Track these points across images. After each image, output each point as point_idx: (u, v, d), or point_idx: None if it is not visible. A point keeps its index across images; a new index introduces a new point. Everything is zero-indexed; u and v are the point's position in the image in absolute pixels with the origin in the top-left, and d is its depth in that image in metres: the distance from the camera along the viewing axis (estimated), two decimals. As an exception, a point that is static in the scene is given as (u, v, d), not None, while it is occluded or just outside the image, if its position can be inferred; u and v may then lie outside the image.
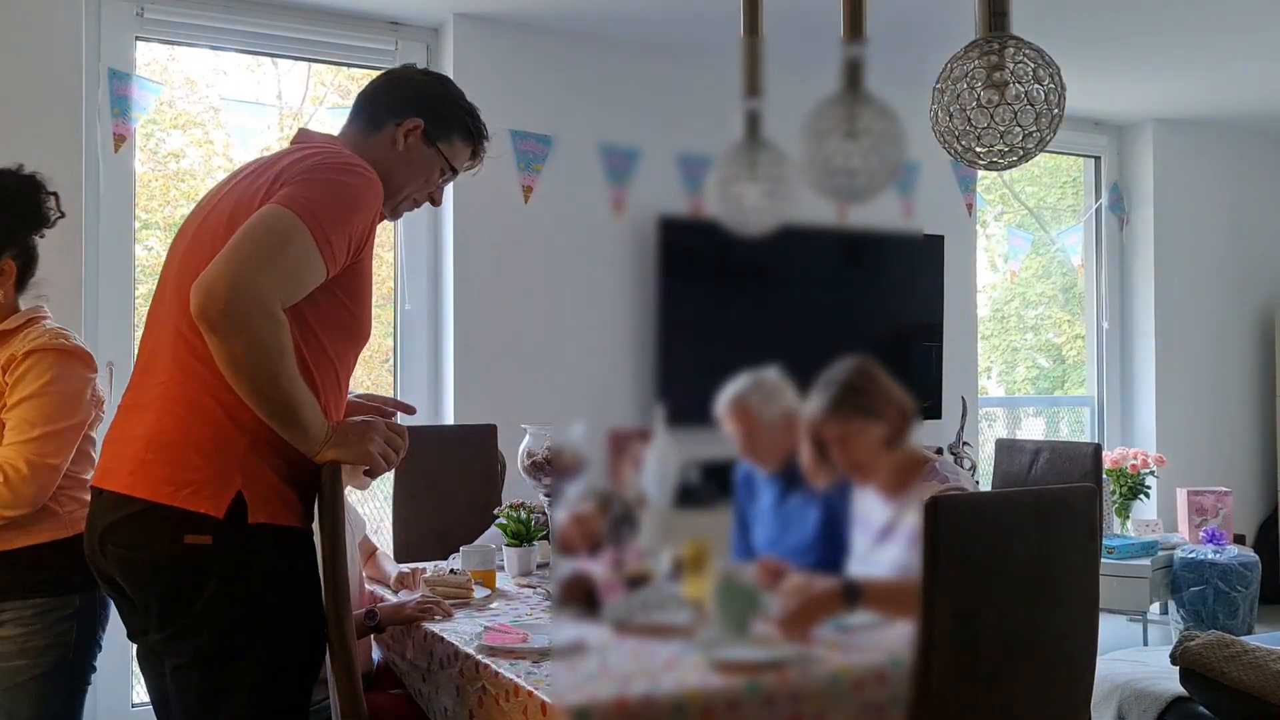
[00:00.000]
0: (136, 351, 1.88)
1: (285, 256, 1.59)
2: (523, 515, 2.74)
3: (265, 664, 1.72)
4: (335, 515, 1.88)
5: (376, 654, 2.54)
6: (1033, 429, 5.96)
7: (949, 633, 1.67)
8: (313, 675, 1.82)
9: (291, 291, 1.61)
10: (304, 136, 1.90)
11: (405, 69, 2.06)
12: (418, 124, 1.92)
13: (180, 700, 1.73)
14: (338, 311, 1.75)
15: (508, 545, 2.72)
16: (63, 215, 2.16)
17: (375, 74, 2.04)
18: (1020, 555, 1.74)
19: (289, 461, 1.73)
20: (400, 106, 1.92)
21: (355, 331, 1.82)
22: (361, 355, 1.93)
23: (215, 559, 1.66)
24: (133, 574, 1.72)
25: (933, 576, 1.66)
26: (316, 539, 2.03)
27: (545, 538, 2.76)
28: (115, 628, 2.00)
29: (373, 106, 1.94)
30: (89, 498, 1.82)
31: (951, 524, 1.67)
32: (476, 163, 2.05)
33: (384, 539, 3.34)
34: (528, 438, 2.64)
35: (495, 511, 2.83)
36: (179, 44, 3.80)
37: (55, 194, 2.15)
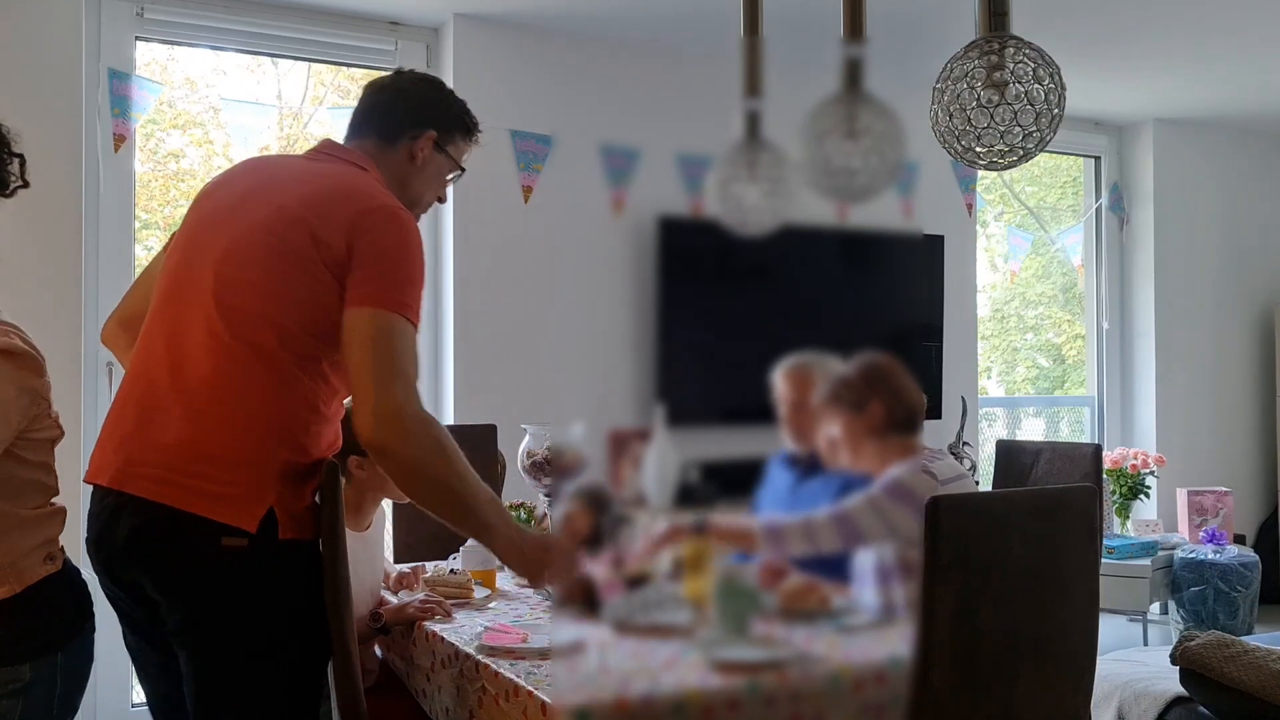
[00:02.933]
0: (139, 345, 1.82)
1: (405, 359, 1.69)
2: (523, 515, 2.74)
3: (286, 666, 1.74)
4: (335, 517, 1.88)
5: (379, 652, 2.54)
6: (1033, 429, 5.96)
7: (949, 633, 1.67)
8: (324, 675, 1.84)
9: (416, 373, 1.72)
10: (331, 148, 1.95)
11: (400, 78, 2.07)
12: (431, 135, 1.97)
13: (199, 702, 1.73)
14: None
15: None
16: (26, 184, 1.83)
17: (374, 74, 2.05)
18: (1020, 555, 1.74)
19: (315, 475, 1.79)
20: (412, 120, 1.97)
21: None
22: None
23: (250, 564, 1.68)
24: (163, 574, 1.70)
25: (932, 576, 1.66)
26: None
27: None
28: (109, 624, 1.97)
29: (385, 121, 1.97)
30: (50, 538, 1.69)
31: (952, 524, 1.67)
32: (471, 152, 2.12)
33: (384, 539, 3.34)
34: (528, 438, 2.64)
35: None
36: (179, 44, 3.80)
37: (21, 156, 1.80)
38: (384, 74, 2.08)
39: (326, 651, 1.81)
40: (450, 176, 2.05)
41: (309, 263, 1.71)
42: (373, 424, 1.66)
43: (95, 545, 1.75)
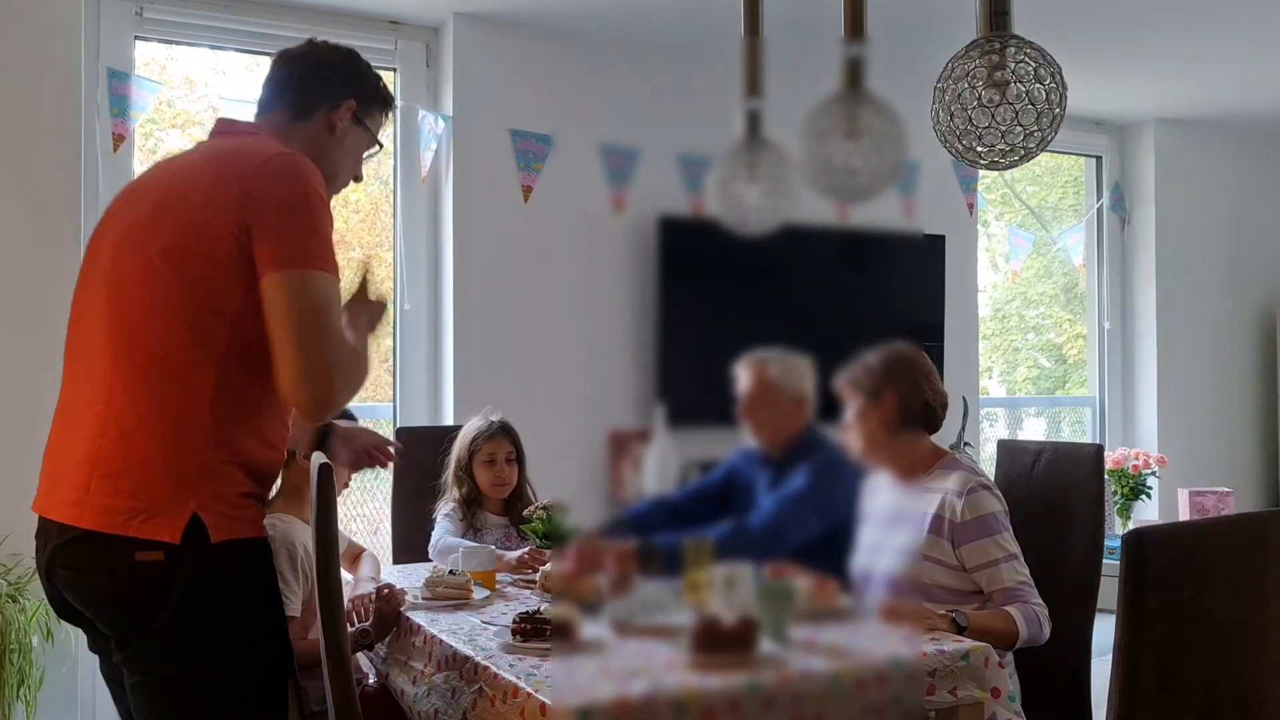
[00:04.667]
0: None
1: (333, 314, 1.66)
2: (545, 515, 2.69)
3: (231, 677, 1.66)
4: (326, 520, 1.86)
5: (367, 666, 2.51)
6: (1034, 429, 5.95)
7: (1156, 687, 1.44)
8: (283, 678, 1.75)
9: (339, 323, 1.69)
10: (224, 126, 1.84)
11: (315, 47, 1.93)
12: (351, 106, 1.88)
13: (142, 718, 1.67)
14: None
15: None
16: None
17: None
18: (1223, 597, 1.49)
19: (250, 469, 1.70)
20: (331, 90, 1.87)
21: None
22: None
23: (171, 575, 1.60)
24: (86, 597, 1.66)
25: (1135, 629, 1.43)
26: (309, 538, 2.02)
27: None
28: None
29: (298, 92, 1.87)
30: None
31: (1157, 562, 1.43)
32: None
33: (384, 539, 3.34)
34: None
35: (525, 513, 2.76)
36: (178, 44, 3.80)
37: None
38: (293, 45, 1.94)
39: (279, 652, 1.73)
40: (368, 153, 1.96)
41: (202, 265, 1.63)
42: (305, 394, 1.62)
43: (41, 574, 1.73)
